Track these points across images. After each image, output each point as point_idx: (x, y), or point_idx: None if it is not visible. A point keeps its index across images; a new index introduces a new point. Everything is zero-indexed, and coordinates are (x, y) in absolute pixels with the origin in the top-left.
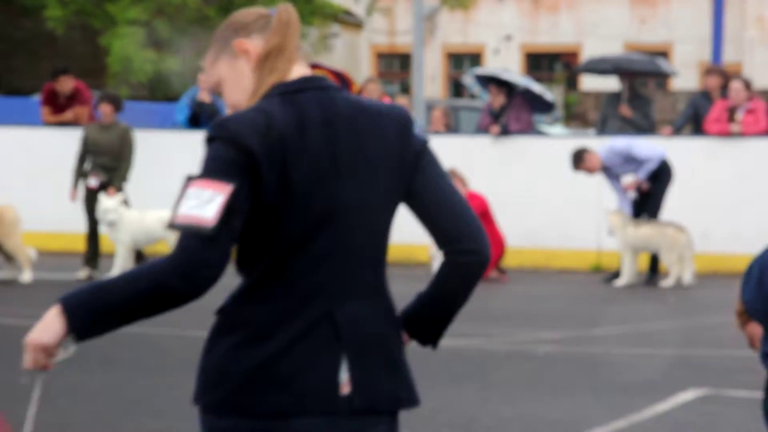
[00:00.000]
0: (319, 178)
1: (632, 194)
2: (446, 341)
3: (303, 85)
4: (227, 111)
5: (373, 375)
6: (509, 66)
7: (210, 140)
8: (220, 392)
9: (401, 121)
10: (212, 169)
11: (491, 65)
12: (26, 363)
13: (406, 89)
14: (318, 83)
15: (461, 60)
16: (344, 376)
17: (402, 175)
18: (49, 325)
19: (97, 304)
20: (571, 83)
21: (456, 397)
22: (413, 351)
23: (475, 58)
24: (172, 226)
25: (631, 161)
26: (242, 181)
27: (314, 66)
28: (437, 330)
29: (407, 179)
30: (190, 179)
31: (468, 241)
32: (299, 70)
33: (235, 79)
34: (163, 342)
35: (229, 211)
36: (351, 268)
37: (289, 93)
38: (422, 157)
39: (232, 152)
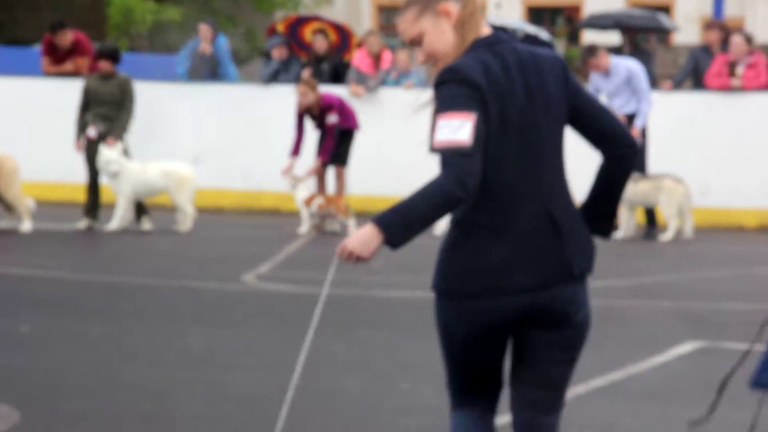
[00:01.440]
0: (522, 109)
1: None
2: None
3: (496, 39)
4: (419, 59)
5: (579, 251)
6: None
7: (442, 83)
8: (477, 282)
9: (560, 63)
10: (455, 103)
11: (493, 18)
12: (339, 258)
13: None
14: (503, 37)
15: None
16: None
17: (567, 101)
18: (369, 243)
19: (405, 220)
20: (573, 38)
21: None
22: (411, 302)
23: None
24: (433, 150)
25: (627, 89)
26: (479, 110)
27: (314, 19)
28: (610, 222)
29: (571, 102)
30: (437, 113)
31: (624, 136)
32: (486, 28)
33: (437, 35)
34: (163, 292)
35: (476, 132)
36: (545, 174)
37: (490, 45)
38: (575, 85)
39: (467, 89)
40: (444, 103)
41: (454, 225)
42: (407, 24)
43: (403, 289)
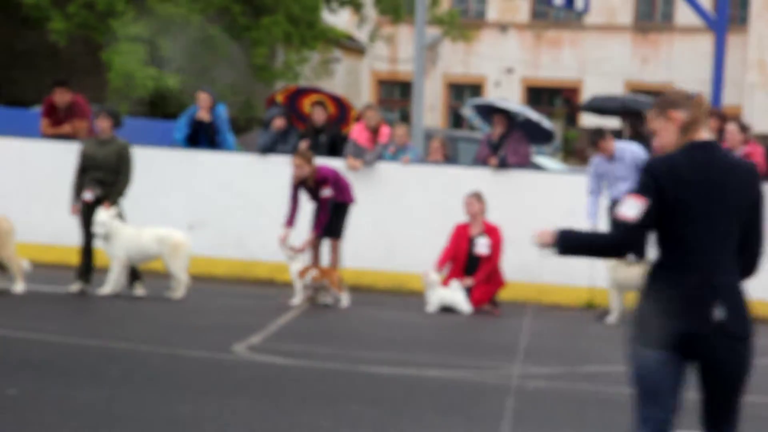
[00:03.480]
0: (698, 198)
1: None
2: (435, 372)
3: (701, 145)
4: (654, 149)
5: (734, 314)
6: (511, 99)
7: (642, 171)
8: (653, 329)
9: (752, 173)
10: (638, 188)
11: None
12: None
13: (405, 117)
14: (711, 145)
15: (462, 90)
16: (720, 313)
17: (747, 202)
18: (547, 237)
19: (574, 240)
20: (571, 119)
21: (441, 428)
22: (400, 379)
23: (476, 89)
24: (614, 217)
25: (632, 174)
26: (652, 197)
27: (314, 90)
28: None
29: (745, 210)
30: (629, 193)
31: (756, 255)
32: (704, 135)
33: (665, 133)
34: (153, 359)
35: (645, 214)
36: (716, 255)
37: (692, 149)
38: (757, 196)
39: (649, 179)
40: (635, 186)
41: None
42: (649, 119)
43: (393, 366)
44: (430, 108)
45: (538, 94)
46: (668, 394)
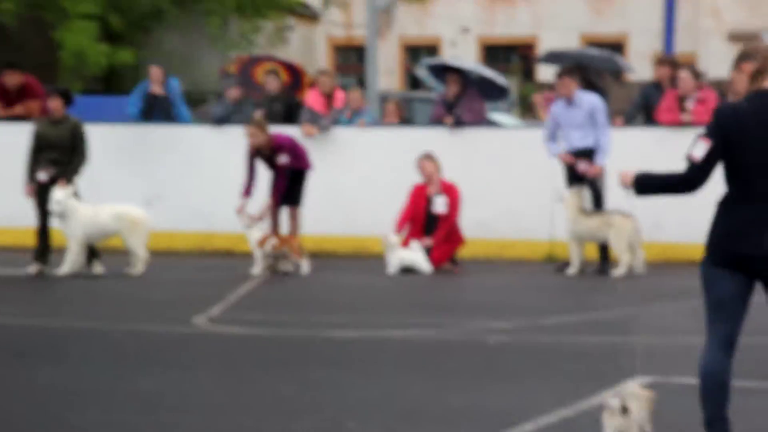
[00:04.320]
0: (756, 140)
1: (584, 166)
2: (397, 332)
3: (765, 92)
4: (730, 97)
5: None
6: (466, 58)
7: (711, 115)
8: (718, 251)
9: None
10: (706, 132)
11: (451, 60)
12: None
13: (363, 82)
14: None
15: (418, 52)
16: None
17: None
18: (627, 180)
19: (650, 180)
20: (528, 75)
21: (405, 388)
22: (363, 342)
23: (432, 50)
24: (686, 156)
25: (587, 123)
26: (716, 139)
27: (266, 59)
28: None
29: None
30: (699, 136)
31: None
32: None
33: (738, 83)
34: (112, 336)
35: (709, 154)
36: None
37: (756, 96)
38: None
39: (715, 123)
40: (704, 129)
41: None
42: (735, 75)
43: (355, 329)
44: (388, 71)
45: (494, 52)
46: (732, 306)
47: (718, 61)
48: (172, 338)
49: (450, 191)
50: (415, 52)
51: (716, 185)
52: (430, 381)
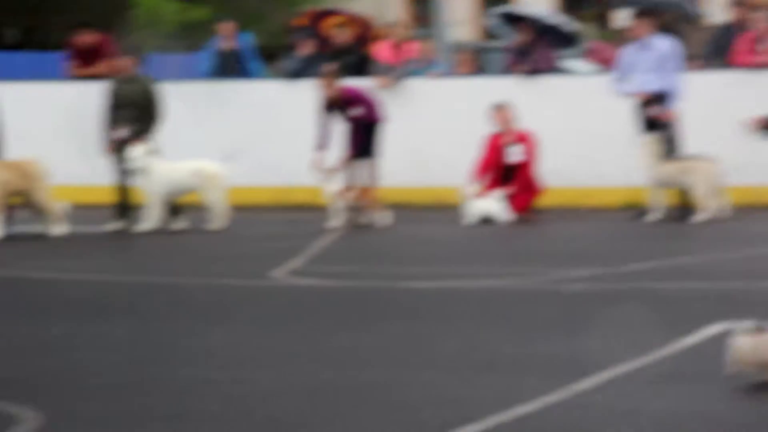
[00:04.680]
0: None
1: (657, 110)
2: (474, 282)
3: None
4: None
5: None
6: (542, 5)
7: None
8: None
9: None
10: None
11: (516, 8)
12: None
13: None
14: None
15: (494, 1)
16: None
17: None
18: (758, 124)
19: None
20: (602, 22)
21: (481, 338)
22: (441, 293)
23: None
24: None
25: (658, 66)
26: None
27: (335, 12)
28: None
29: None
30: None
31: None
32: None
33: None
34: (190, 291)
35: None
36: None
37: None
38: None
39: None
40: None
41: None
42: None
43: (433, 280)
44: (463, 22)
45: None
46: None
47: None
48: (249, 292)
49: (526, 140)
50: (490, 0)
51: None
52: (506, 331)
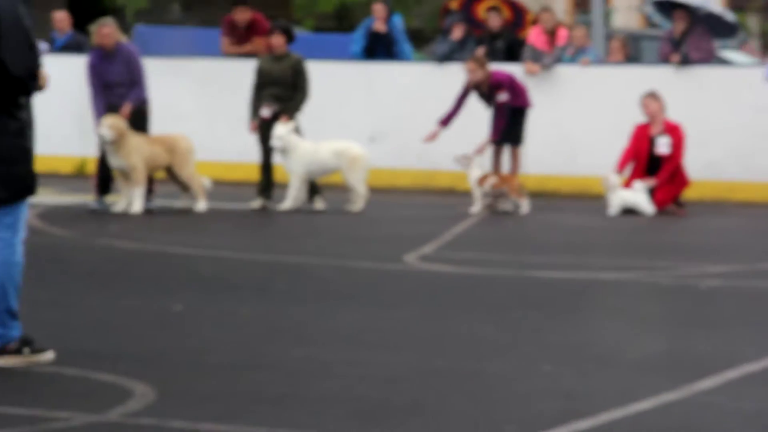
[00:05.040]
0: None
1: None
2: (607, 274)
3: None
4: None
5: None
6: None
7: None
8: None
9: None
10: None
11: None
12: None
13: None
14: None
15: None
16: None
17: None
18: None
19: None
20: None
21: (605, 331)
22: (571, 283)
23: None
24: None
25: None
26: None
27: None
28: None
29: None
30: None
31: None
32: None
33: None
34: (321, 272)
35: None
36: None
37: None
38: None
39: None
40: None
41: None
42: None
43: (565, 270)
44: (625, 8)
45: None
46: None
47: None
48: (379, 275)
49: (674, 131)
50: None
51: None
52: (632, 325)
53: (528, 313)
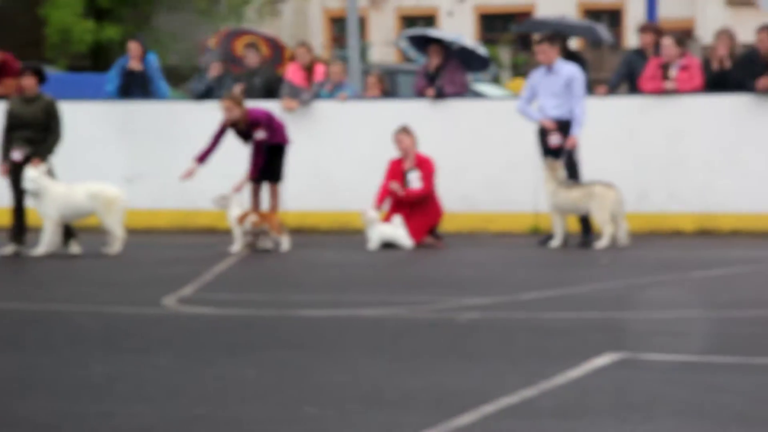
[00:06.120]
0: None
1: (556, 140)
2: (368, 311)
3: None
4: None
5: None
6: (463, 28)
7: None
8: None
9: None
10: None
11: (445, 28)
12: None
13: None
14: None
15: (415, 23)
16: None
17: None
18: None
19: None
20: (527, 45)
21: (367, 370)
22: (332, 321)
23: (429, 21)
24: None
25: (563, 92)
26: None
27: (246, 32)
28: None
29: None
30: None
31: None
32: None
33: None
34: (76, 319)
35: None
36: None
37: None
38: None
39: None
40: None
41: None
42: None
43: (326, 308)
44: (384, 43)
45: (491, 22)
46: None
47: (715, 28)
48: (137, 320)
49: (423, 164)
50: (411, 22)
51: (703, 151)
52: (393, 362)
53: (291, 353)
